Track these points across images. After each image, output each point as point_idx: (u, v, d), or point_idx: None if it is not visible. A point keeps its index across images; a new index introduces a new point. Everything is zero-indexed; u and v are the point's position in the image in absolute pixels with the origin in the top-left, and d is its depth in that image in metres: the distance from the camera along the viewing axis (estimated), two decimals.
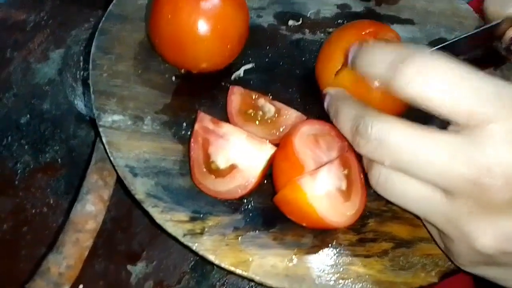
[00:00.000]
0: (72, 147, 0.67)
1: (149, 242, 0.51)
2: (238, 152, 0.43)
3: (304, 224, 0.43)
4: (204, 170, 0.42)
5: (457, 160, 0.32)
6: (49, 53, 0.76)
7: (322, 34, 0.57)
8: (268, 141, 0.45)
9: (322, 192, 0.40)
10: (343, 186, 0.42)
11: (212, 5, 0.44)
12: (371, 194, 0.47)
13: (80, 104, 0.64)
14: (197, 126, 0.43)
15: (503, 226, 0.33)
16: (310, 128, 0.44)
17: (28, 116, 0.66)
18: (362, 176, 0.44)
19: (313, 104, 0.50)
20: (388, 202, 0.46)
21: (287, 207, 0.42)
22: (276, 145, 0.46)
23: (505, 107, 0.31)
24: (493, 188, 0.31)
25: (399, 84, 0.33)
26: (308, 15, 0.59)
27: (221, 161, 0.42)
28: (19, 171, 0.58)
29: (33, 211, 0.57)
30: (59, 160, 0.66)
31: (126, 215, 0.53)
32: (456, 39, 0.48)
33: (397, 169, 0.35)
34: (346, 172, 0.43)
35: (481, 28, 0.49)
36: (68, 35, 0.78)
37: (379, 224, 0.45)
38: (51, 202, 0.63)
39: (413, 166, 0.33)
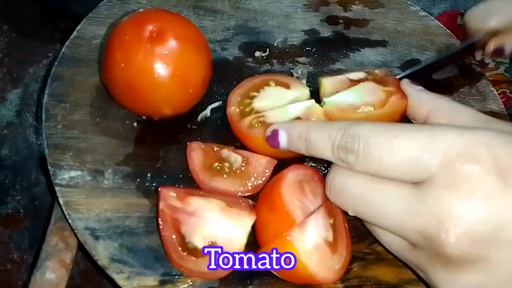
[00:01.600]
0: (35, 195, 0.64)
1: None
2: (215, 229, 0.38)
3: (290, 280, 0.40)
4: (182, 252, 0.38)
5: (409, 213, 0.31)
6: (6, 94, 0.72)
7: (291, 64, 0.55)
8: (243, 198, 0.42)
9: (311, 246, 0.37)
10: (330, 237, 0.40)
11: (169, 49, 0.41)
12: (353, 236, 0.44)
13: (43, 143, 0.61)
14: (161, 205, 0.38)
15: (461, 282, 0.31)
16: (295, 174, 0.41)
17: None
18: (346, 224, 0.42)
19: None
20: (370, 244, 0.44)
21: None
22: (250, 196, 0.43)
23: (439, 150, 0.31)
24: (445, 243, 0.30)
25: (348, 162, 0.34)
26: (275, 44, 0.56)
27: (198, 241, 0.38)
28: None
29: None
30: (22, 210, 0.62)
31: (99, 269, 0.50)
32: (436, 59, 0.52)
33: (362, 219, 0.36)
34: (331, 221, 0.41)
35: (465, 44, 0.52)
36: (26, 73, 0.74)
37: (363, 269, 0.43)
38: (15, 257, 0.59)
39: (373, 217, 0.34)
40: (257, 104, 0.46)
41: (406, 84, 0.45)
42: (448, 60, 0.57)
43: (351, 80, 0.49)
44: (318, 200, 0.41)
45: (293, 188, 0.40)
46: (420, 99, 0.43)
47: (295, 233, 0.36)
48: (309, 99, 0.47)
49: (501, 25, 0.51)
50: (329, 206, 0.41)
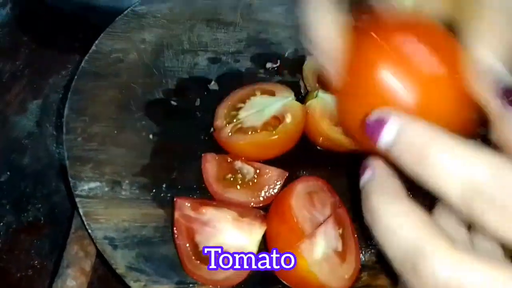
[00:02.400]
0: (55, 203, 0.65)
1: None
2: (227, 238, 0.40)
3: None
4: (195, 261, 0.40)
5: None
6: (27, 104, 0.74)
7: (301, 75, 0.56)
8: (255, 209, 0.44)
9: (320, 256, 0.39)
10: (339, 246, 0.41)
11: None
12: (362, 245, 0.45)
13: (62, 152, 0.63)
14: (177, 215, 0.41)
15: None
16: (304, 186, 0.43)
17: (8, 173, 0.64)
18: (354, 232, 0.43)
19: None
20: (379, 252, 0.45)
21: (286, 273, 0.40)
22: (262, 207, 0.44)
23: None
24: None
25: (485, 220, 0.23)
26: (286, 55, 0.57)
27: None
28: (1, 232, 0.56)
29: (18, 274, 0.55)
30: (42, 218, 0.64)
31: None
32: None
33: None
34: (340, 231, 0.42)
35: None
36: (46, 84, 0.76)
37: (372, 278, 0.44)
38: (36, 264, 0.61)
39: None
40: (243, 114, 0.48)
41: (499, 101, 0.27)
42: None
43: None
44: (327, 210, 0.42)
45: (302, 200, 0.41)
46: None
47: (304, 245, 0.38)
48: (293, 98, 0.49)
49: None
50: (337, 216, 0.42)
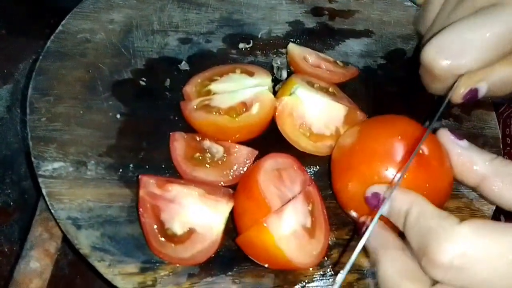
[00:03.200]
0: (24, 188, 0.64)
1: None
2: (193, 215, 0.39)
3: (268, 266, 0.40)
4: (161, 238, 0.39)
5: None
6: None
7: (274, 55, 0.55)
8: (223, 187, 0.43)
9: (288, 232, 0.38)
10: (308, 223, 0.40)
11: None
12: (333, 223, 0.45)
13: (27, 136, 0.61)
14: (142, 192, 0.40)
15: None
16: (273, 162, 0.42)
17: None
18: (324, 210, 0.42)
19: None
20: (350, 230, 0.45)
21: (253, 249, 0.39)
22: (231, 186, 0.43)
23: None
24: None
25: (432, 275, 0.30)
26: (259, 36, 0.56)
27: (177, 227, 0.39)
28: None
29: None
30: (11, 203, 0.63)
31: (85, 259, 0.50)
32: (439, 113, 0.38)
33: None
34: (310, 207, 0.41)
35: (447, 99, 0.40)
36: (16, 69, 0.74)
37: (343, 255, 0.43)
38: (5, 249, 0.60)
39: None
40: (214, 86, 0.48)
41: (448, 140, 0.37)
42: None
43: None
44: (297, 187, 0.42)
45: (270, 176, 0.40)
46: (472, 162, 0.36)
47: (271, 219, 0.37)
48: (271, 86, 0.48)
49: (478, 66, 0.38)
50: (307, 193, 0.42)
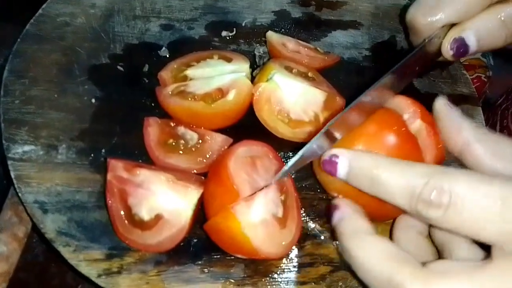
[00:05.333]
0: (0, 174, 0.63)
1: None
2: (161, 201, 0.38)
3: (236, 255, 0.39)
4: (127, 224, 0.38)
5: None
6: None
7: (257, 44, 0.54)
8: (194, 174, 0.42)
9: (257, 220, 0.37)
10: (280, 212, 0.39)
11: None
12: (308, 214, 0.44)
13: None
14: (109, 176, 0.39)
15: None
16: (246, 149, 0.41)
17: None
18: (298, 201, 0.41)
19: None
20: (324, 222, 0.44)
21: (219, 236, 0.39)
22: (205, 174, 0.42)
23: None
24: None
25: (429, 217, 0.30)
26: (244, 24, 0.55)
27: (144, 213, 0.38)
28: None
29: None
30: None
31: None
32: (403, 61, 0.40)
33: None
34: (283, 197, 0.40)
35: (419, 47, 0.41)
36: (1, 55, 0.73)
37: (316, 247, 0.42)
38: None
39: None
40: (190, 71, 0.47)
41: (444, 106, 0.38)
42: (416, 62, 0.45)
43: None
44: (270, 176, 0.41)
45: (242, 163, 0.39)
46: (460, 126, 0.36)
47: (239, 206, 0.36)
48: (249, 73, 0.48)
49: (457, 16, 0.41)
50: (281, 183, 0.41)
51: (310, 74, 0.49)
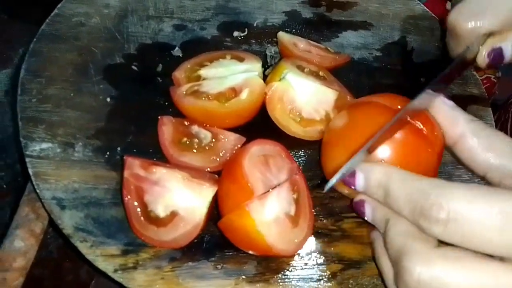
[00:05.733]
0: (18, 171, 0.64)
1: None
2: (177, 198, 0.39)
3: (250, 252, 0.40)
4: (143, 220, 0.38)
5: None
6: None
7: (269, 45, 0.55)
8: (208, 172, 0.43)
9: (271, 218, 0.38)
10: (292, 211, 0.40)
11: None
12: (319, 213, 0.45)
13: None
14: (126, 174, 0.39)
15: None
16: (260, 148, 0.41)
17: None
18: (310, 199, 0.42)
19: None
20: (336, 221, 0.44)
21: (233, 233, 0.39)
22: (218, 172, 0.43)
23: None
24: None
25: (431, 232, 0.30)
26: (255, 25, 0.56)
27: (160, 210, 0.39)
28: None
29: None
30: (4, 186, 0.63)
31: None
32: (448, 68, 0.39)
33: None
34: (295, 196, 0.41)
35: (462, 54, 0.40)
36: (16, 54, 0.75)
37: (327, 245, 0.43)
38: None
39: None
40: (204, 71, 0.47)
41: (439, 99, 0.38)
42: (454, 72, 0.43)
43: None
44: (283, 175, 0.41)
45: (256, 161, 0.40)
46: (456, 119, 0.36)
47: (254, 204, 0.37)
48: (260, 72, 0.48)
49: (500, 25, 0.39)
50: (293, 181, 0.41)
51: (321, 73, 0.50)
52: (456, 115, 0.37)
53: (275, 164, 0.42)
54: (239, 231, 0.37)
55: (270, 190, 0.39)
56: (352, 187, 0.36)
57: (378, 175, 0.34)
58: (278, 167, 0.42)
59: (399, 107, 0.39)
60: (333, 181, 0.34)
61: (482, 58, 0.40)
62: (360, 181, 0.35)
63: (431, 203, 0.30)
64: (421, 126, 0.37)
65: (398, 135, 0.37)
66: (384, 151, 0.37)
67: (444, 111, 0.37)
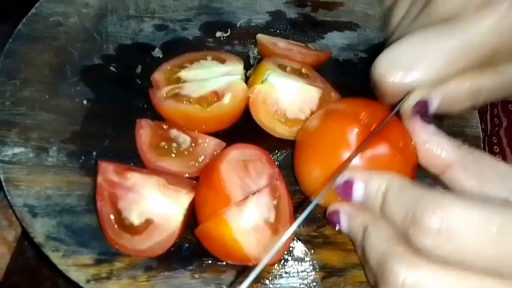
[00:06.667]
0: None
1: None
2: (152, 205, 0.38)
3: (227, 261, 0.39)
4: (117, 228, 0.37)
5: None
6: None
7: (252, 45, 0.54)
8: (186, 178, 0.41)
9: (249, 225, 0.36)
10: (272, 217, 0.39)
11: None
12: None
13: None
14: (99, 179, 0.38)
15: None
16: (239, 153, 0.40)
17: None
18: (291, 206, 0.41)
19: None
20: (319, 227, 0.43)
21: (210, 241, 0.38)
22: (197, 178, 0.42)
23: None
24: None
25: (418, 245, 0.29)
26: (238, 25, 0.55)
27: (134, 217, 0.38)
28: None
29: None
30: None
31: None
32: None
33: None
34: (275, 202, 0.40)
35: (396, 109, 0.37)
36: None
37: (309, 252, 0.42)
38: None
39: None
40: (184, 73, 0.46)
41: (417, 124, 0.35)
42: None
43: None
44: (263, 181, 0.40)
45: (234, 166, 0.39)
46: (439, 148, 0.34)
47: (231, 211, 0.36)
48: (242, 74, 0.47)
49: (428, 78, 0.36)
50: (274, 187, 0.40)
51: (303, 70, 0.49)
52: (440, 142, 0.34)
53: (254, 169, 0.40)
54: (216, 240, 0.36)
55: (250, 196, 0.38)
56: (349, 199, 0.34)
57: (378, 183, 0.32)
58: (258, 172, 0.40)
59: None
60: (318, 199, 0.32)
61: (407, 108, 0.37)
62: (359, 190, 0.33)
63: (423, 210, 0.28)
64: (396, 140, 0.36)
65: (373, 148, 0.35)
66: (358, 163, 0.35)
67: (426, 139, 0.35)
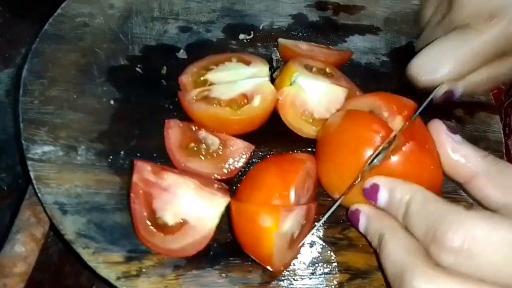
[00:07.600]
0: (19, 173, 0.64)
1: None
2: (187, 207, 0.38)
3: (248, 251, 0.38)
4: (150, 227, 0.37)
5: None
6: None
7: (275, 48, 0.54)
8: (216, 181, 0.42)
9: (285, 231, 0.37)
10: (296, 234, 0.39)
11: None
12: (327, 221, 0.44)
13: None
14: (135, 178, 0.38)
15: None
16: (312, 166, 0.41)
17: None
18: (310, 230, 0.41)
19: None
20: (343, 229, 0.44)
21: (244, 224, 0.37)
22: (225, 180, 0.42)
23: None
24: None
25: (440, 261, 0.30)
26: (261, 28, 0.55)
27: (169, 217, 0.38)
28: None
29: None
30: (5, 188, 0.62)
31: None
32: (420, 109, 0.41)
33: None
34: (304, 222, 0.40)
35: (427, 100, 0.43)
36: (18, 53, 0.74)
37: (334, 254, 0.42)
38: None
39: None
40: (211, 75, 0.46)
41: (441, 133, 0.36)
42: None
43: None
44: (306, 199, 0.40)
45: (305, 176, 0.39)
46: (465, 158, 0.35)
47: (286, 212, 0.36)
48: (268, 76, 0.47)
49: (452, 75, 0.45)
50: (309, 208, 0.40)
51: (328, 70, 0.49)
52: (466, 153, 0.35)
53: (308, 185, 0.40)
54: (254, 227, 0.35)
55: (296, 206, 0.38)
56: (372, 202, 0.36)
57: (402, 193, 0.34)
58: (308, 189, 0.41)
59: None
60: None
61: (437, 97, 0.46)
62: (383, 198, 0.35)
63: (446, 228, 0.29)
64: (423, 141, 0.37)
65: (403, 148, 0.36)
66: (388, 164, 0.36)
67: (452, 149, 0.36)
